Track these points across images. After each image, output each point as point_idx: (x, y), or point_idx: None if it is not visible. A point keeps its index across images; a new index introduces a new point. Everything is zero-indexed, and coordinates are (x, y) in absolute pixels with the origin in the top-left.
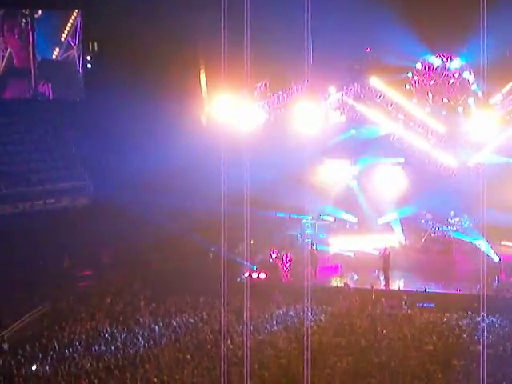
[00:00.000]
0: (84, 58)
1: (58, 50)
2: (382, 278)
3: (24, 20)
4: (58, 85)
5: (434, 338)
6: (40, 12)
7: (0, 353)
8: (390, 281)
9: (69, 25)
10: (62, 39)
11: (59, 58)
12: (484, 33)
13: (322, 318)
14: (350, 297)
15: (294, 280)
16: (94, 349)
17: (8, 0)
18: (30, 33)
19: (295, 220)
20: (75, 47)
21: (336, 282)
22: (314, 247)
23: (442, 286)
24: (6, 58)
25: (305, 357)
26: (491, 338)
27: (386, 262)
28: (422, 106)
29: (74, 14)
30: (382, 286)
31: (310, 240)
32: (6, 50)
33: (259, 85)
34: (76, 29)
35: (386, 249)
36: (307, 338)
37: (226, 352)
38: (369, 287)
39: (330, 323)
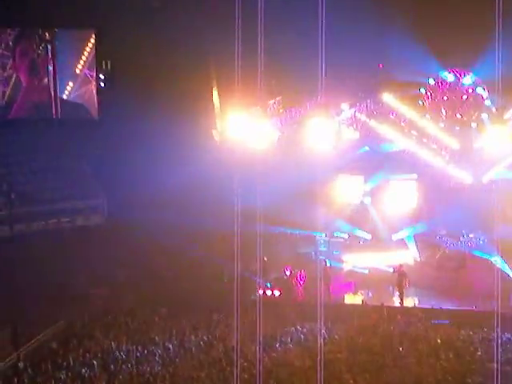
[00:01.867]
0: (97, 75)
1: (71, 84)
2: (396, 294)
3: (42, 46)
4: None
5: (450, 355)
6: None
7: (15, 371)
8: (404, 298)
9: (85, 53)
10: (78, 71)
11: (72, 96)
12: (498, 48)
13: (336, 335)
14: (364, 314)
15: (308, 297)
16: (109, 367)
17: (16, 19)
18: (51, 61)
19: (308, 237)
20: (93, 80)
21: (350, 299)
22: (328, 264)
23: (457, 303)
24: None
25: (319, 375)
26: (507, 355)
27: (400, 279)
28: (435, 122)
29: (92, 40)
30: (396, 303)
31: (323, 257)
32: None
33: (272, 101)
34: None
35: (400, 266)
36: (321, 355)
37: (240, 370)
38: (383, 304)
39: (344, 341)
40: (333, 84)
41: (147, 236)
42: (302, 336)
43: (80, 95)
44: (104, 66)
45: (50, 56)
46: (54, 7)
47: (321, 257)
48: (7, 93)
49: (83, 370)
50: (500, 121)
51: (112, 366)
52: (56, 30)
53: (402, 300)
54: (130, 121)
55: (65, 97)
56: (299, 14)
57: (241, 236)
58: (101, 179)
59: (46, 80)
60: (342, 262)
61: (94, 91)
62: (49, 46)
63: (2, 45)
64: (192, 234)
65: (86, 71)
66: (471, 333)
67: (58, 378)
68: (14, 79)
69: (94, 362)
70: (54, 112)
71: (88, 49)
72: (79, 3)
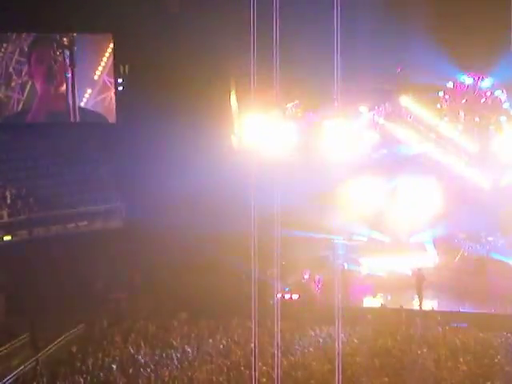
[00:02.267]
0: (115, 81)
1: (89, 91)
2: (415, 298)
3: (59, 51)
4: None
5: (469, 358)
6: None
7: (34, 375)
8: (423, 301)
9: (104, 59)
10: (96, 77)
11: (91, 104)
12: None
13: (355, 338)
14: (383, 317)
15: (326, 301)
16: (127, 371)
17: (32, 24)
18: (70, 68)
19: (327, 240)
20: (112, 87)
21: (369, 302)
22: (346, 267)
23: (475, 306)
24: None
25: (337, 378)
26: None
27: (419, 283)
28: (453, 125)
29: (111, 45)
30: (415, 307)
31: (341, 260)
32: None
33: (290, 105)
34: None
35: (419, 269)
36: (339, 359)
37: (259, 374)
38: (402, 307)
39: (363, 344)
40: (351, 87)
41: (165, 239)
42: (321, 340)
43: (98, 102)
44: (122, 70)
45: (69, 62)
46: (71, 11)
47: (339, 260)
48: (22, 100)
49: (102, 374)
50: None
51: (131, 370)
52: (74, 34)
53: (420, 303)
54: (148, 125)
55: (82, 104)
56: (316, 17)
57: (258, 240)
58: (119, 183)
59: (62, 87)
60: (360, 265)
61: (113, 98)
62: (67, 52)
63: (18, 50)
64: (210, 237)
65: (105, 77)
66: (490, 336)
67: (77, 382)
68: (29, 86)
69: (113, 366)
70: (71, 119)
71: (107, 54)
72: (96, 7)
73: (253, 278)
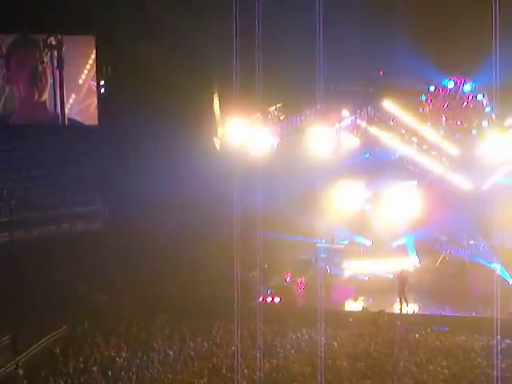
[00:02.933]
0: (98, 83)
1: (73, 96)
2: (397, 301)
3: (46, 51)
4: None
5: (450, 361)
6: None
7: (15, 378)
8: (405, 303)
9: (90, 62)
10: (81, 81)
11: (75, 110)
12: (496, 55)
13: (336, 341)
14: (364, 320)
15: (307, 304)
16: (109, 373)
17: (12, 24)
18: (57, 71)
19: (309, 244)
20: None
21: (351, 305)
22: (328, 271)
23: (456, 310)
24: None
25: (319, 381)
26: (507, 362)
27: (402, 285)
28: (435, 129)
29: (94, 48)
30: (397, 310)
31: (324, 264)
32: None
33: (272, 108)
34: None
35: (402, 271)
36: (321, 362)
37: (241, 376)
38: (384, 311)
39: (344, 347)
40: (333, 91)
41: (147, 241)
42: (302, 342)
43: (83, 109)
44: (104, 73)
45: (56, 64)
46: (53, 13)
47: (321, 263)
48: (1, 104)
49: (83, 378)
50: (500, 128)
51: (112, 373)
52: (59, 36)
53: (402, 305)
54: (131, 127)
55: (67, 110)
56: (299, 21)
57: (241, 242)
58: (101, 185)
59: (47, 92)
60: (343, 268)
61: (95, 98)
62: (54, 53)
63: None
64: (192, 240)
65: (91, 82)
66: (471, 339)
67: None
68: (7, 91)
69: (94, 369)
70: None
71: (91, 58)
72: (78, 9)
73: (235, 280)
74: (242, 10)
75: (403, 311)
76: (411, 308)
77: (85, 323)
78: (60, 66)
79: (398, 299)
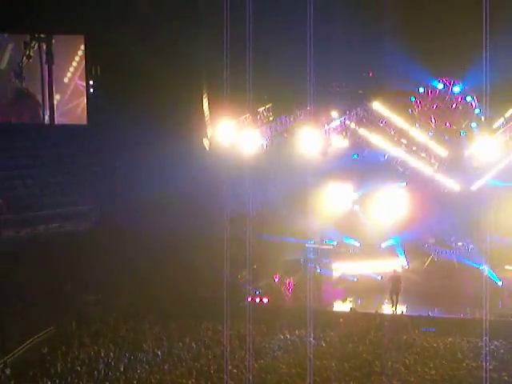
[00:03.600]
0: (87, 83)
1: (58, 97)
2: (386, 301)
3: (34, 43)
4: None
5: (437, 362)
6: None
7: (2, 378)
8: (397, 304)
9: (76, 62)
10: (66, 80)
11: (61, 111)
12: (487, 57)
13: (324, 342)
14: (353, 321)
15: (296, 305)
16: (96, 373)
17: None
18: (46, 66)
19: (297, 244)
20: (85, 92)
21: (339, 306)
22: (318, 271)
23: (444, 311)
24: None
25: (307, 381)
26: (494, 363)
27: (395, 285)
28: (424, 131)
29: (82, 47)
30: (386, 311)
31: (312, 264)
32: None
33: (262, 109)
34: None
35: (394, 271)
36: (310, 362)
37: (229, 377)
38: (373, 311)
39: (333, 348)
40: (323, 92)
41: (137, 242)
42: (290, 343)
43: (72, 109)
44: (94, 72)
45: (45, 59)
46: (42, 12)
47: (310, 264)
48: None
49: (70, 378)
50: (489, 130)
51: (99, 373)
52: (42, 36)
53: (395, 305)
54: (120, 127)
55: (55, 109)
56: (289, 22)
57: (230, 243)
58: (91, 185)
59: (34, 88)
60: (332, 269)
61: (84, 98)
62: (43, 47)
63: None
64: (182, 240)
65: (79, 82)
66: (459, 341)
67: None
68: None
69: (81, 369)
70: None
71: (78, 57)
72: (67, 9)
73: (225, 281)
74: (232, 10)
75: (393, 311)
76: (399, 309)
77: (72, 323)
78: (49, 61)
79: (392, 297)
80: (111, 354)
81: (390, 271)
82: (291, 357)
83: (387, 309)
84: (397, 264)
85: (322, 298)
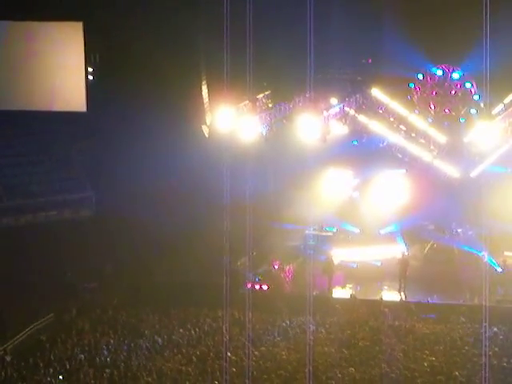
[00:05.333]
0: (86, 70)
1: (61, 82)
2: (386, 287)
3: None
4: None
5: (437, 349)
6: None
7: (3, 365)
8: (405, 288)
9: (73, 46)
10: (68, 67)
11: (61, 99)
12: (486, 43)
13: (324, 329)
14: (353, 308)
15: (296, 291)
16: (96, 361)
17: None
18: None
19: (297, 231)
20: (82, 74)
21: (338, 293)
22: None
23: (444, 297)
24: None
25: (307, 368)
26: (494, 349)
27: (403, 269)
28: (424, 117)
29: (80, 33)
30: (386, 297)
31: (312, 251)
32: None
33: (261, 96)
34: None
35: (403, 255)
36: (309, 349)
37: (229, 364)
38: (371, 298)
39: (332, 334)
40: (322, 79)
41: (136, 229)
42: (290, 330)
43: (71, 95)
44: (93, 59)
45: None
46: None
47: (309, 250)
48: None
49: (70, 365)
50: (488, 116)
51: (99, 360)
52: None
53: (404, 289)
54: (119, 114)
55: (54, 96)
56: (288, 9)
57: (230, 230)
58: (90, 171)
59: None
60: (331, 255)
61: (83, 85)
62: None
63: None
64: (181, 226)
65: (79, 69)
66: (458, 327)
67: (45, 372)
68: None
69: (82, 356)
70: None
71: (75, 42)
72: None
73: (224, 267)
74: None
75: (402, 295)
76: (399, 296)
77: (73, 311)
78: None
79: (400, 281)
80: (111, 341)
81: (393, 256)
82: (291, 343)
83: (387, 295)
84: (396, 250)
85: (331, 285)
